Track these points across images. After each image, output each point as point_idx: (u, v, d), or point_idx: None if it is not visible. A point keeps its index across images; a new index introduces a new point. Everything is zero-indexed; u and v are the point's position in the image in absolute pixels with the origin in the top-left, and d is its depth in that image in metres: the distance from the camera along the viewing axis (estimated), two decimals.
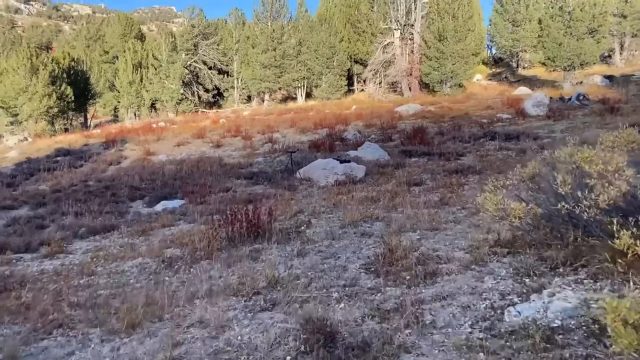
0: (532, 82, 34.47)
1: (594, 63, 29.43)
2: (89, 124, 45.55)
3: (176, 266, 5.23)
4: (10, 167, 17.76)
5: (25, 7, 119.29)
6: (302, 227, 6.18)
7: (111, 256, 6.19)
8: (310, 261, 4.76)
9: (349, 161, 11.35)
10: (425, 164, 12.18)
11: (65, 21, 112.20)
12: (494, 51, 52.07)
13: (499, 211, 4.11)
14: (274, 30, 39.13)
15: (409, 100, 29.89)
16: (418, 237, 5.26)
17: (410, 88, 35.95)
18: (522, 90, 29.61)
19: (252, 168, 14.69)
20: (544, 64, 32.29)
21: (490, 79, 41.95)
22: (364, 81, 40.78)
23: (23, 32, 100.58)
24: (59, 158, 18.67)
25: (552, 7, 29.25)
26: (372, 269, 4.30)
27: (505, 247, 4.50)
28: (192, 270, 5.01)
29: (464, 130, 17.24)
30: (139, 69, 44.00)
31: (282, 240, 5.63)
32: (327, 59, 37.59)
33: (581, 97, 22.25)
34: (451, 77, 32.14)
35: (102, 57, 55.20)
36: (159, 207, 10.34)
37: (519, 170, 4.92)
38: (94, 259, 6.20)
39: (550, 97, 22.48)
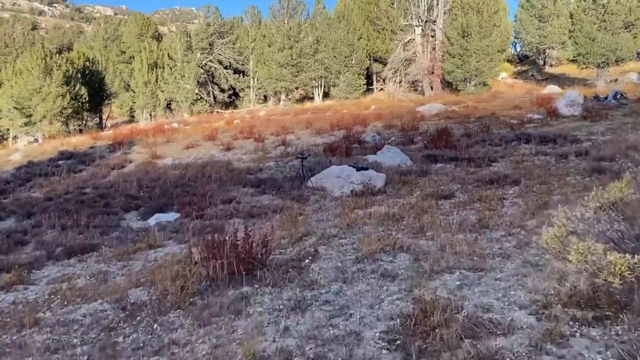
0: (560, 81, 32.71)
1: (631, 59, 27.54)
2: (104, 124, 44.98)
3: (138, 318, 4.00)
4: (9, 171, 16.83)
5: (49, 9, 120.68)
6: (307, 261, 4.89)
7: (72, 293, 5.00)
8: (311, 321, 3.47)
9: (366, 168, 10.04)
10: (453, 171, 10.81)
11: (88, 23, 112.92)
12: (518, 48, 50.17)
13: (586, 264, 2.79)
14: (290, 28, 37.96)
15: (431, 100, 28.43)
16: (458, 282, 3.94)
17: (432, 87, 34.44)
18: (552, 88, 27.93)
19: (261, 174, 13.47)
20: (574, 60, 30.50)
21: (515, 77, 40.18)
22: (384, 80, 39.36)
23: (46, 33, 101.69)
24: (61, 162, 17.68)
25: (585, 0, 27.44)
26: (398, 341, 3.02)
27: (586, 306, 3.17)
28: (155, 326, 3.79)
29: (493, 132, 15.79)
30: (155, 68, 43.21)
31: (278, 281, 4.35)
32: (345, 57, 36.24)
33: (618, 96, 20.56)
34: (475, 75, 30.53)
35: (119, 57, 54.71)
36: (152, 220, 9.18)
37: (597, 194, 3.59)
38: (51, 296, 5.02)
39: (584, 96, 20.83)
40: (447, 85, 33.35)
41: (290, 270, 4.58)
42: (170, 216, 9.06)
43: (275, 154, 16.42)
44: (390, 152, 12.90)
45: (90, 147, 21.16)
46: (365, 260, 4.75)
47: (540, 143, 13.21)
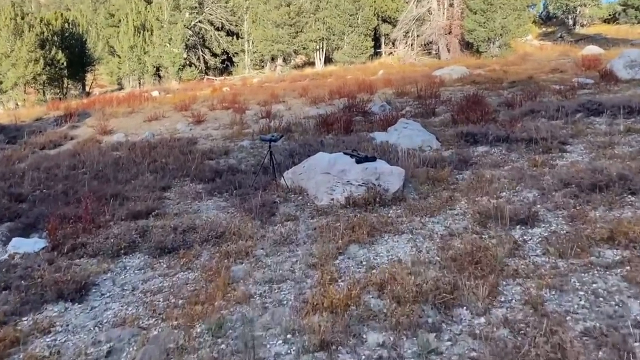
0: (598, 41, 28.30)
1: None
2: (88, 92, 40.93)
3: None
4: None
5: None
6: None
7: None
8: None
9: (373, 158, 6.15)
10: (508, 159, 6.98)
11: None
12: (542, 8, 45.22)
13: None
14: None
15: (450, 63, 24.22)
16: None
17: (448, 49, 30.10)
18: (592, 49, 23.66)
19: (226, 158, 9.67)
20: (611, 20, 26.06)
21: (542, 39, 35.70)
22: (393, 43, 34.99)
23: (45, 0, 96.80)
24: None
25: None
26: None
27: None
28: None
29: (542, 101, 11.77)
30: (142, 31, 38.91)
31: None
32: (350, 15, 31.83)
33: None
34: (501, 35, 26.20)
35: (108, 20, 50.14)
36: (11, 247, 5.42)
37: None
38: None
39: None
40: (466, 47, 29.08)
41: None
42: (33, 243, 5.27)
43: (254, 130, 12.56)
44: (407, 128, 8.98)
45: (36, 120, 17.33)
46: None
47: (622, 115, 9.21)
